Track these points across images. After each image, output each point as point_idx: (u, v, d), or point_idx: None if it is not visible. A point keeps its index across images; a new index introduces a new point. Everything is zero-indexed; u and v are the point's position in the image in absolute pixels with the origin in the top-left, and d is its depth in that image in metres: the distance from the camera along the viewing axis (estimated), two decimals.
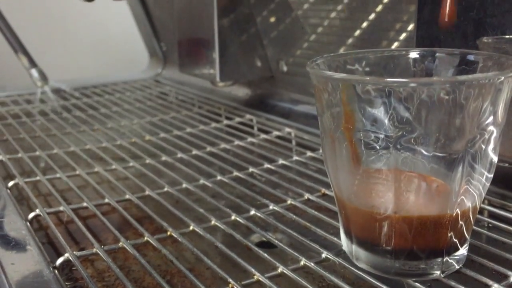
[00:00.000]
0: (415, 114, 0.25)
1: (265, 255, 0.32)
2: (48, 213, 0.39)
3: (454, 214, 0.26)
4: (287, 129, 0.59)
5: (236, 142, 0.56)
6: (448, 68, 0.29)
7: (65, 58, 0.97)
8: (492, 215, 0.37)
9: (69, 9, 0.93)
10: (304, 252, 0.33)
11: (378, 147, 0.26)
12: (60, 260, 0.32)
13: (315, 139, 0.55)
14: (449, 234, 0.27)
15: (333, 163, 0.28)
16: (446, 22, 0.34)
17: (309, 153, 0.51)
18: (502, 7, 0.34)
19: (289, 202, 0.40)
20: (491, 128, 0.25)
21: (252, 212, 0.39)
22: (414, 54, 0.30)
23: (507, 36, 0.35)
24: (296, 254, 0.32)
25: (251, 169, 0.48)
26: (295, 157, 0.51)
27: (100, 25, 0.99)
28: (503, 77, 0.25)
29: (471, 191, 0.26)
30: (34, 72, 0.74)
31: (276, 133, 0.59)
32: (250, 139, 0.57)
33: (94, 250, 0.33)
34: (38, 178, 0.46)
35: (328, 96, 0.27)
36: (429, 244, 0.27)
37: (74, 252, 0.33)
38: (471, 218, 0.28)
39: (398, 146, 0.25)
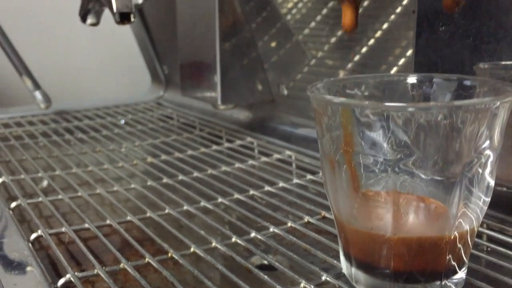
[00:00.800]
0: (413, 138, 0.25)
1: (266, 277, 0.32)
2: (50, 234, 0.39)
3: (452, 237, 0.27)
4: (288, 152, 0.60)
5: (237, 164, 0.56)
6: (445, 93, 0.30)
7: (68, 81, 0.99)
8: (491, 239, 0.37)
9: (73, 33, 0.94)
10: (304, 274, 0.33)
11: (377, 170, 0.26)
12: (61, 281, 0.32)
13: (315, 162, 0.55)
14: (447, 257, 0.27)
15: (333, 186, 0.28)
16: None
17: (309, 176, 0.52)
18: (498, 34, 0.35)
19: (289, 224, 0.41)
20: (487, 152, 0.26)
21: (253, 234, 0.39)
22: (412, 79, 0.31)
23: (503, 62, 0.35)
24: (296, 277, 0.32)
25: (251, 192, 0.48)
26: (296, 180, 0.51)
27: (103, 48, 1.01)
28: (498, 102, 0.25)
29: (469, 214, 0.27)
30: (38, 94, 0.75)
31: (276, 156, 0.59)
32: (251, 161, 0.57)
33: (95, 271, 0.33)
34: (40, 199, 0.46)
35: (328, 120, 0.27)
36: (428, 267, 0.27)
37: (76, 273, 0.33)
38: (469, 241, 0.28)
39: (397, 169, 0.26)
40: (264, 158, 0.58)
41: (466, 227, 0.27)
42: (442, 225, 0.26)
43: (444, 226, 0.26)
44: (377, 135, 0.26)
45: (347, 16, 0.35)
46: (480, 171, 0.26)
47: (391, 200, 0.26)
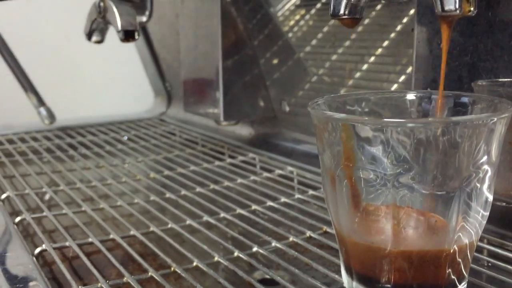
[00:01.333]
0: (412, 153, 0.26)
1: None
2: (54, 248, 0.39)
3: (451, 251, 0.27)
4: (289, 168, 0.60)
5: (239, 180, 0.57)
6: (444, 109, 0.31)
7: (72, 97, 1.00)
8: (491, 254, 0.38)
9: (77, 49, 0.95)
10: None
11: (377, 185, 0.27)
12: None
13: (316, 178, 0.56)
14: (447, 271, 0.27)
15: (334, 200, 0.29)
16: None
17: (310, 192, 0.52)
18: (495, 53, 0.36)
19: (291, 239, 0.41)
20: (485, 167, 0.26)
21: (255, 249, 0.39)
22: (411, 96, 0.32)
23: (500, 79, 0.36)
24: None
25: (253, 207, 0.48)
26: (297, 195, 0.51)
27: (107, 65, 1.02)
28: (495, 118, 0.26)
29: (468, 228, 0.27)
30: (42, 110, 0.75)
31: (278, 171, 0.60)
32: (253, 177, 0.58)
33: (99, 285, 0.34)
34: (44, 214, 0.46)
35: (328, 135, 0.28)
36: (428, 280, 0.27)
37: (80, 287, 0.33)
38: (469, 256, 0.28)
39: (396, 184, 0.26)
40: (266, 174, 0.59)
41: (466, 241, 0.27)
42: (441, 239, 0.27)
43: (444, 239, 0.27)
44: (377, 150, 0.26)
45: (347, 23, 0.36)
46: (478, 185, 0.27)
47: (391, 213, 0.26)
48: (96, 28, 0.65)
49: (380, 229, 0.27)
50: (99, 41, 0.67)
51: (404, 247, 0.27)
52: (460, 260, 0.28)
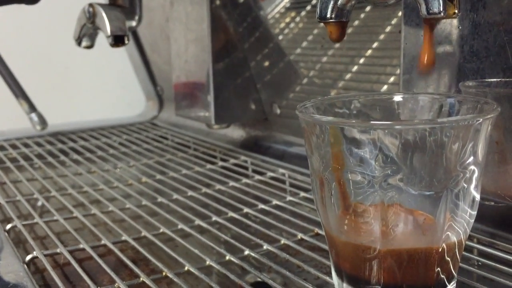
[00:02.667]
0: (400, 154, 0.26)
1: None
2: (45, 255, 0.39)
3: (440, 249, 0.27)
4: (281, 170, 0.60)
5: (231, 183, 0.57)
6: (430, 111, 0.31)
7: (63, 102, 0.99)
8: (481, 254, 0.38)
9: (68, 55, 0.95)
10: None
11: (365, 186, 0.27)
12: None
13: (308, 180, 0.56)
14: (436, 270, 0.27)
15: (323, 203, 0.29)
16: (425, 66, 0.36)
17: (302, 194, 0.52)
18: (480, 54, 0.36)
19: (282, 242, 0.41)
20: (472, 167, 0.27)
21: (247, 252, 0.39)
22: (398, 98, 0.32)
23: (487, 80, 0.36)
24: None
25: (245, 210, 0.49)
26: (289, 198, 0.51)
27: (98, 70, 1.02)
28: (481, 119, 0.26)
29: (456, 227, 0.27)
30: (34, 116, 0.75)
31: (270, 174, 0.60)
32: (244, 180, 0.58)
33: None
34: (35, 220, 0.46)
35: (317, 139, 0.28)
36: (418, 280, 0.28)
37: None
38: (458, 255, 0.29)
39: (385, 185, 0.26)
40: (258, 177, 0.59)
41: (454, 239, 0.28)
42: (430, 238, 0.27)
43: (432, 238, 0.27)
44: (365, 152, 0.26)
45: (333, 34, 0.36)
46: (466, 185, 0.27)
47: (380, 213, 0.26)
48: (86, 33, 0.65)
49: (369, 228, 0.27)
50: (89, 47, 0.67)
51: (393, 246, 0.27)
52: (449, 259, 0.28)
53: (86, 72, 1.01)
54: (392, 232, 0.27)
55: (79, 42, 0.67)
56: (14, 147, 0.76)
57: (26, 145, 0.77)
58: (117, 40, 0.59)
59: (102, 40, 0.65)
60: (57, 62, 0.99)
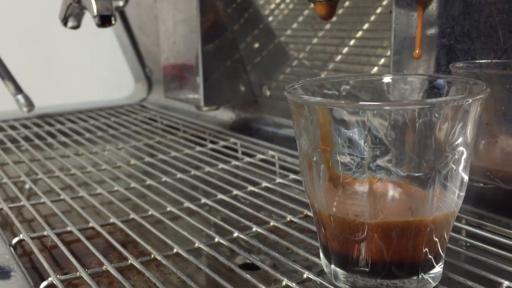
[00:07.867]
0: (388, 135, 0.26)
1: (249, 276, 0.33)
2: (32, 238, 0.39)
3: (428, 230, 0.27)
4: (271, 152, 0.60)
5: (221, 165, 0.56)
6: (420, 92, 0.31)
7: (50, 84, 0.98)
8: (469, 235, 0.38)
9: (54, 35, 0.93)
10: (287, 273, 0.33)
11: (354, 168, 0.27)
12: (43, 284, 0.32)
13: (298, 162, 0.56)
14: (424, 250, 0.27)
15: (311, 184, 0.29)
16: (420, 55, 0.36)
17: (292, 176, 0.52)
18: (471, 34, 0.36)
19: (272, 224, 0.41)
20: (461, 148, 0.27)
21: (236, 234, 0.39)
22: (387, 79, 0.32)
23: (477, 61, 0.36)
24: (279, 276, 0.33)
25: (235, 192, 0.48)
26: (279, 180, 0.51)
27: (85, 51, 1.00)
28: (470, 100, 0.26)
29: (444, 208, 0.27)
30: (20, 98, 0.74)
31: (260, 156, 0.59)
32: (234, 162, 0.57)
33: (78, 274, 0.34)
34: (22, 203, 0.46)
35: (305, 120, 0.28)
36: (405, 260, 0.28)
37: (58, 276, 0.33)
38: (445, 235, 0.29)
39: (373, 167, 0.26)
40: (247, 159, 0.59)
41: (442, 220, 0.28)
42: (418, 217, 0.27)
43: (421, 218, 0.27)
44: (354, 133, 0.26)
45: (322, 11, 0.35)
46: (454, 167, 0.27)
47: (369, 186, 0.26)
48: (72, 13, 0.64)
49: (358, 202, 0.27)
50: (75, 27, 0.66)
51: (381, 218, 0.27)
52: (436, 239, 0.28)
53: (74, 54, 1.00)
54: (381, 202, 0.26)
55: (65, 22, 0.66)
56: (0, 129, 0.75)
57: (13, 127, 0.76)
58: (104, 20, 0.58)
59: (89, 20, 0.64)
60: (44, 43, 0.97)
